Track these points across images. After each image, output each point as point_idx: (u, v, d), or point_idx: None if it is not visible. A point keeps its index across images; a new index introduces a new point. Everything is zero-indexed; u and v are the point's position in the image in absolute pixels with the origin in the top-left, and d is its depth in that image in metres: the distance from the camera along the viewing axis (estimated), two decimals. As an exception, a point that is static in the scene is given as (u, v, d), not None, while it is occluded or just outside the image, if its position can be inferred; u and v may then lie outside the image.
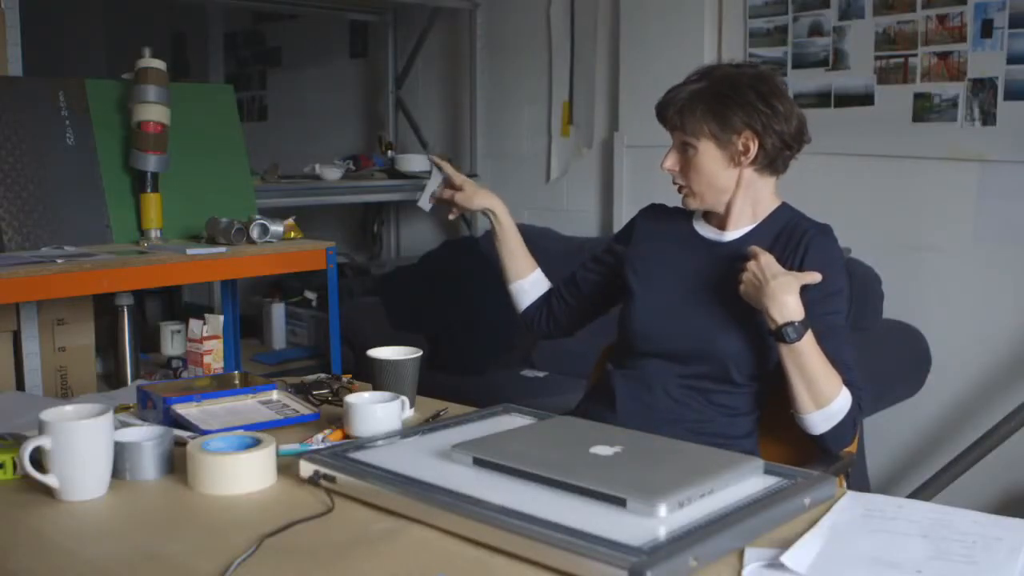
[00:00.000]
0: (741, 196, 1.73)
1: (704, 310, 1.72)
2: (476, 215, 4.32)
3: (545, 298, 2.00)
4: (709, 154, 1.70)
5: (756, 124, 1.67)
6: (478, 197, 1.99)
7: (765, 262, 1.61)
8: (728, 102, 1.67)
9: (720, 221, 1.78)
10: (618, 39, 3.74)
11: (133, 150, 2.80)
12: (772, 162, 1.72)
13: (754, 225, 1.76)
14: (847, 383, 1.63)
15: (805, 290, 1.62)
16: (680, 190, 1.76)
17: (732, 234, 1.76)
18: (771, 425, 1.75)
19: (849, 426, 1.63)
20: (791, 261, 1.69)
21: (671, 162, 1.74)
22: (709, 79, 1.71)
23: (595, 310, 2.00)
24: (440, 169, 2.03)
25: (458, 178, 2.02)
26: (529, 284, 2.00)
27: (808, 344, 1.58)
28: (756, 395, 1.73)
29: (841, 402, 1.61)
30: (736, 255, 1.70)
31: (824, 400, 1.60)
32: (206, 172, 3.00)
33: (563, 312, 1.99)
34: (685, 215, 1.84)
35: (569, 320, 2.00)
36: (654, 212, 1.91)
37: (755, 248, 1.65)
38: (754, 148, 1.69)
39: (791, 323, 1.57)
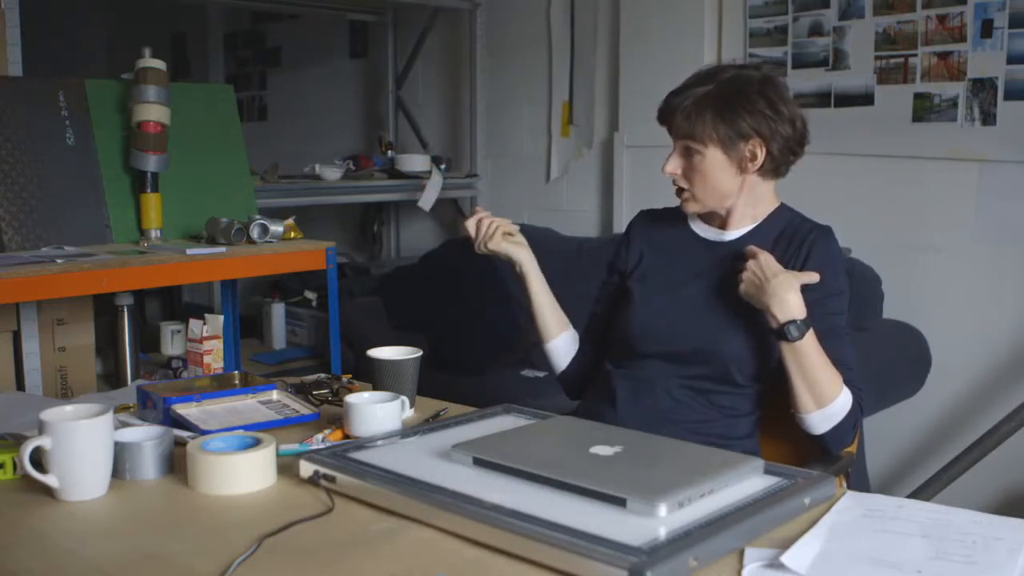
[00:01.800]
0: (743, 200, 1.73)
1: (705, 311, 1.71)
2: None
3: (579, 360, 1.91)
4: (716, 160, 1.68)
5: (764, 130, 1.66)
6: (522, 248, 1.84)
7: (764, 260, 1.61)
8: (737, 108, 1.65)
9: (720, 222, 1.77)
10: (618, 39, 3.74)
11: (133, 150, 2.80)
12: (777, 167, 1.72)
13: (754, 225, 1.76)
14: (847, 383, 1.63)
15: (806, 290, 1.63)
16: (680, 193, 1.75)
17: (732, 234, 1.76)
18: (771, 425, 1.75)
19: (849, 426, 1.63)
20: (794, 262, 1.69)
21: (673, 166, 1.72)
22: (716, 82, 1.68)
23: None
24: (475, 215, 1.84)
25: (506, 227, 1.84)
26: (568, 340, 1.91)
27: (810, 343, 1.58)
28: (757, 396, 1.73)
29: (842, 402, 1.61)
30: (736, 255, 1.70)
31: (825, 400, 1.60)
32: (206, 172, 3.00)
33: (595, 363, 1.88)
34: (680, 216, 1.83)
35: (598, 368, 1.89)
36: (648, 217, 1.90)
37: (753, 248, 1.65)
38: (761, 155, 1.68)
39: (793, 321, 1.57)
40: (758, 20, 3.36)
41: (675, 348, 1.71)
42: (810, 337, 1.58)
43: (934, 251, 3.03)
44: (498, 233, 1.81)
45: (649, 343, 1.74)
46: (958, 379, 2.99)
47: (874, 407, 2.72)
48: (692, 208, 1.75)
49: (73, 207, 2.73)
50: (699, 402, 1.71)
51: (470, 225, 1.83)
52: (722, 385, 1.70)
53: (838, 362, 1.63)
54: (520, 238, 1.85)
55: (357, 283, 4.08)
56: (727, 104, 1.66)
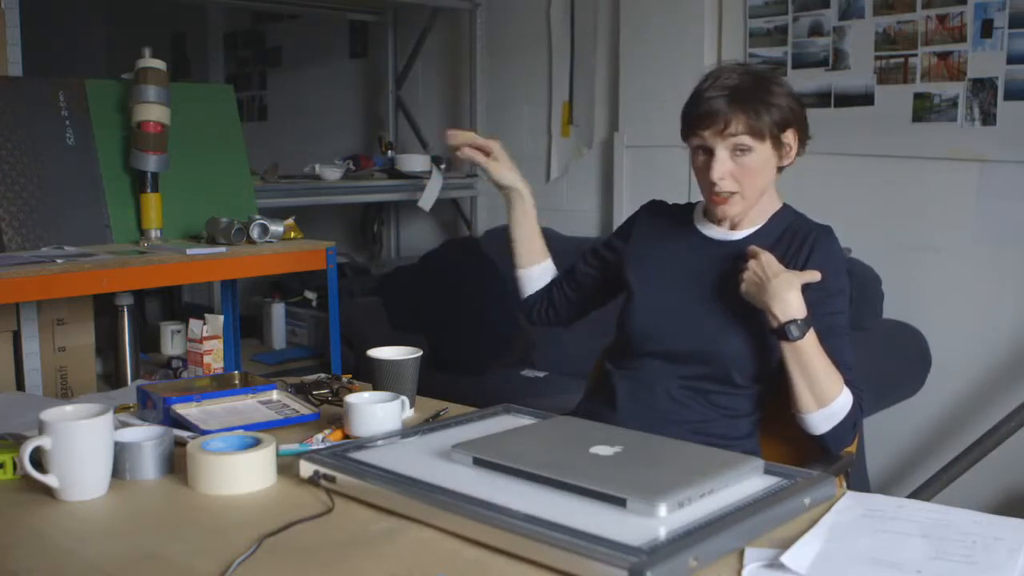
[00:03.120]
0: (765, 196, 1.73)
1: (706, 311, 1.71)
2: (477, 213, 4.32)
3: (547, 288, 1.99)
4: (765, 155, 1.66)
5: (798, 121, 1.68)
6: (506, 170, 1.89)
7: (766, 260, 1.61)
8: (777, 101, 1.65)
9: (731, 222, 1.76)
10: (618, 39, 3.74)
11: (133, 150, 2.80)
12: (791, 160, 1.72)
13: (760, 225, 1.75)
14: (847, 383, 1.63)
15: (807, 289, 1.63)
16: (723, 198, 1.68)
17: (739, 233, 1.75)
18: (771, 425, 1.75)
19: (849, 426, 1.63)
20: (795, 261, 1.69)
21: (726, 168, 1.65)
22: (743, 78, 1.65)
23: (593, 304, 1.98)
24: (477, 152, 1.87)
25: (492, 145, 1.87)
26: (538, 272, 1.97)
27: (810, 342, 1.58)
28: (757, 396, 1.73)
29: (842, 402, 1.61)
30: (739, 255, 1.70)
31: (826, 399, 1.60)
32: (206, 172, 3.00)
33: (563, 303, 1.97)
34: (686, 213, 1.83)
35: (568, 312, 1.99)
36: (656, 209, 1.89)
37: (754, 248, 1.65)
38: (795, 145, 1.69)
39: (794, 320, 1.57)
40: (758, 20, 3.36)
41: (675, 348, 1.71)
42: (811, 336, 1.58)
43: (934, 251, 3.03)
44: (494, 165, 1.85)
45: (649, 342, 1.74)
46: (958, 379, 2.98)
47: (874, 407, 2.71)
48: (736, 211, 1.70)
49: (73, 207, 2.72)
50: (699, 402, 1.70)
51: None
52: (722, 385, 1.70)
53: (838, 362, 1.63)
54: (502, 158, 1.86)
55: (357, 283, 4.08)
56: (769, 98, 1.64)
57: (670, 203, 1.90)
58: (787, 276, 1.59)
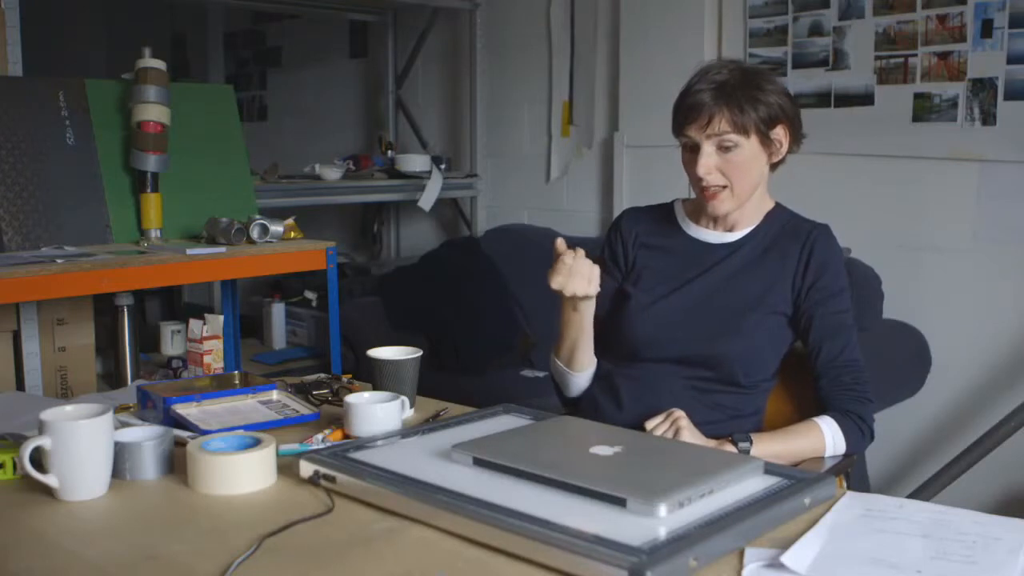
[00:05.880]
0: (757, 194, 1.73)
1: (710, 315, 1.71)
2: (477, 213, 4.32)
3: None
4: (752, 150, 1.66)
5: (788, 117, 1.67)
6: (583, 281, 1.63)
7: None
8: (765, 97, 1.64)
9: (724, 222, 1.76)
10: (618, 39, 3.74)
11: (133, 150, 2.80)
12: (783, 157, 1.72)
13: (755, 225, 1.75)
14: (853, 384, 1.63)
15: (809, 291, 1.64)
16: (713, 192, 1.67)
17: (735, 235, 1.75)
18: (772, 425, 1.75)
19: (857, 440, 1.65)
20: (796, 259, 1.69)
21: (711, 163, 1.64)
22: (732, 74, 1.65)
23: None
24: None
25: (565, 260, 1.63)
26: (590, 374, 1.81)
27: (767, 442, 1.58)
28: (761, 396, 1.73)
29: (831, 439, 1.62)
30: (739, 256, 1.70)
31: (820, 451, 1.62)
32: (206, 172, 3.00)
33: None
34: (669, 217, 1.83)
35: None
36: (636, 218, 1.86)
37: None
38: (786, 141, 1.69)
39: (734, 446, 1.56)
40: (758, 20, 3.36)
41: (682, 354, 1.70)
42: (760, 439, 1.58)
43: (934, 251, 3.03)
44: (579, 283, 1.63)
45: (652, 349, 1.73)
46: (958, 379, 2.98)
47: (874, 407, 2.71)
48: (727, 207, 1.70)
49: (73, 207, 2.72)
50: (703, 403, 1.70)
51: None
52: (727, 386, 1.70)
53: (845, 363, 1.63)
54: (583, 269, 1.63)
55: (357, 283, 4.08)
56: (757, 93, 1.64)
57: (644, 207, 1.88)
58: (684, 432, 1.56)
